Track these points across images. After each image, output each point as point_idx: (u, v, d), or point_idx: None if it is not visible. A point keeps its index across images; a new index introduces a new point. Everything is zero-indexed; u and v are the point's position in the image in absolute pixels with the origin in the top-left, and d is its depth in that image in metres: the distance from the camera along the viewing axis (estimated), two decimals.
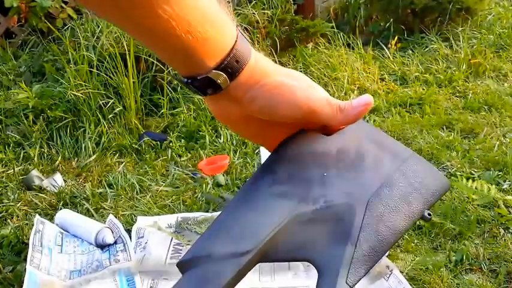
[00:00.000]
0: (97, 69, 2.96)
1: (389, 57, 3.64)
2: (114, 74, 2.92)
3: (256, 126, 0.48)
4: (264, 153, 2.22)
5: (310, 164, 0.46)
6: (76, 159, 2.69)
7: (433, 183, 0.46)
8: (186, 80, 0.46)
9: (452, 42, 3.77)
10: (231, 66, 0.44)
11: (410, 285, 1.63)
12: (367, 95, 0.49)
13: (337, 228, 0.42)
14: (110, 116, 2.87)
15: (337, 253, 0.41)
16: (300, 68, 3.43)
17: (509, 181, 2.17)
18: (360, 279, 0.42)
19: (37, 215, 2.10)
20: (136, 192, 2.32)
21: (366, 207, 0.43)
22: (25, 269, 1.74)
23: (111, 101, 2.90)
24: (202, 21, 0.42)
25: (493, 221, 1.91)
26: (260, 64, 0.46)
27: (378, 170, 0.46)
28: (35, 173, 2.46)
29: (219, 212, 0.46)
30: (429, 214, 0.45)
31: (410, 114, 2.97)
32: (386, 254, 1.73)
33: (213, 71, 0.44)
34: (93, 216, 2.13)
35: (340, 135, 0.49)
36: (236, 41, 0.45)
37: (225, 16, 0.44)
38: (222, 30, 0.44)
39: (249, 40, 0.47)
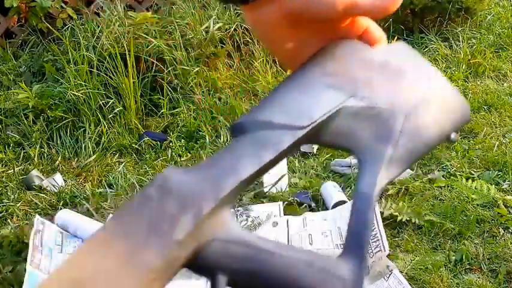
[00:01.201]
0: (97, 69, 2.96)
1: None
2: (114, 74, 2.93)
3: (293, 31, 0.50)
4: None
5: (356, 67, 0.48)
6: (76, 159, 2.69)
7: (460, 110, 0.49)
8: None
9: (452, 42, 3.77)
10: None
11: (410, 285, 1.63)
12: None
13: (380, 128, 0.45)
14: (110, 116, 2.87)
15: (380, 149, 0.44)
16: None
17: (508, 181, 2.17)
18: (394, 178, 0.45)
19: (37, 215, 2.10)
20: (136, 192, 2.32)
21: (405, 118, 0.46)
22: (25, 269, 1.74)
23: (111, 101, 2.90)
24: None
25: (493, 221, 1.92)
26: None
27: (415, 89, 0.48)
28: (35, 173, 2.47)
29: None
30: (455, 136, 0.48)
31: None
32: (387, 253, 1.73)
33: None
34: (93, 216, 2.13)
35: (381, 49, 0.51)
36: None
37: None
38: None
39: None
